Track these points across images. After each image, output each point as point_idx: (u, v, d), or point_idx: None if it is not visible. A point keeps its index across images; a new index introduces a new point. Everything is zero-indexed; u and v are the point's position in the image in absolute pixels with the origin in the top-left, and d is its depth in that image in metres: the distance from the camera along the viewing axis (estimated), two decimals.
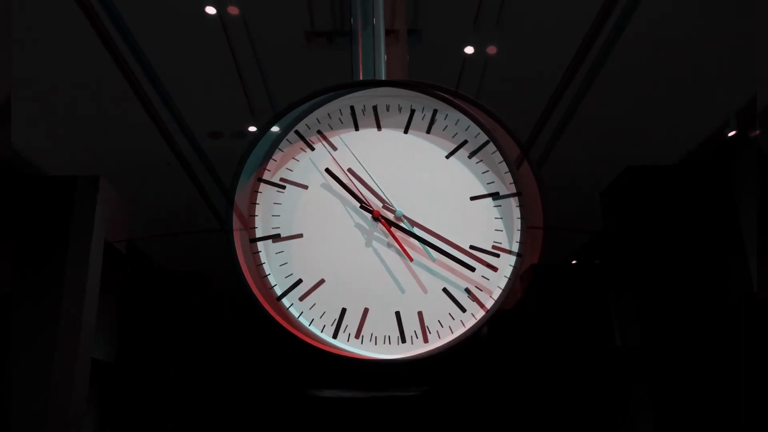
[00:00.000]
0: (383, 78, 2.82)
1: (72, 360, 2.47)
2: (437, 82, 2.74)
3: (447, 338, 2.52)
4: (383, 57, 2.86)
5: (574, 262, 3.32)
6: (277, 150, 2.68)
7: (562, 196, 3.33)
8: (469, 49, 3.46)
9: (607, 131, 3.78)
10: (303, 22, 3.42)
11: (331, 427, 2.77)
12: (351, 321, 2.52)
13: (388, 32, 2.97)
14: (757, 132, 2.83)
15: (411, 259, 2.55)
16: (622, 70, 3.39)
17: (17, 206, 2.56)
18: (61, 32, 3.25)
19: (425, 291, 2.55)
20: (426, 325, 2.53)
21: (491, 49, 3.47)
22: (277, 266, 2.57)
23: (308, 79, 3.36)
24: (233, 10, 3.31)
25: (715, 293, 2.56)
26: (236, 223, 2.64)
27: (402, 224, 2.59)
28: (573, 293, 2.97)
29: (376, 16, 2.93)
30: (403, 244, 2.57)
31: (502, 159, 2.68)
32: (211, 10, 3.30)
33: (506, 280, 2.58)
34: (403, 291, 2.55)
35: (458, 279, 2.56)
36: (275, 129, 2.73)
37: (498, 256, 2.61)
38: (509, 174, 2.68)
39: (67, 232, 2.59)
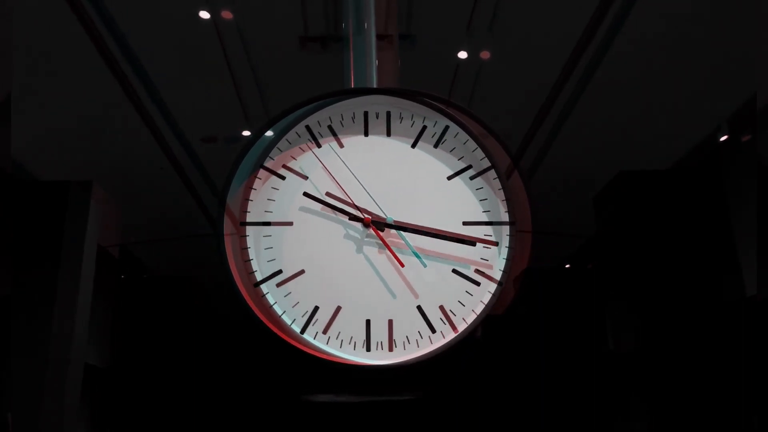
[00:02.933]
0: (374, 85, 2.83)
1: (64, 365, 2.46)
2: (430, 88, 2.75)
3: (471, 318, 2.55)
4: (374, 63, 2.87)
5: (567, 266, 3.33)
6: (252, 190, 2.68)
7: (556, 201, 3.35)
8: (462, 54, 3.48)
9: (600, 136, 3.80)
10: (297, 27, 3.43)
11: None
12: (379, 334, 2.54)
13: (381, 37, 2.98)
14: (750, 136, 2.85)
15: (402, 265, 2.57)
16: (614, 76, 3.41)
17: (10, 211, 2.55)
18: (55, 38, 3.26)
19: (437, 282, 2.58)
20: (448, 310, 2.56)
21: (484, 54, 3.48)
22: (290, 307, 2.58)
23: (302, 84, 3.37)
24: (227, 15, 3.32)
25: (709, 297, 2.57)
26: (228, 227, 2.64)
27: (393, 230, 2.60)
28: (567, 297, 2.98)
29: (368, 21, 2.93)
30: (394, 251, 2.59)
31: (467, 138, 2.71)
32: (205, 14, 3.31)
33: (507, 249, 2.61)
34: (415, 289, 2.57)
35: (464, 263, 2.60)
36: (269, 134, 2.74)
37: (491, 224, 2.64)
38: (478, 150, 2.70)
39: (60, 236, 2.58)
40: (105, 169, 3.77)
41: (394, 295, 2.58)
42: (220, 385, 2.93)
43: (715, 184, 2.73)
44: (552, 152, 3.66)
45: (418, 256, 2.60)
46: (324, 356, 2.50)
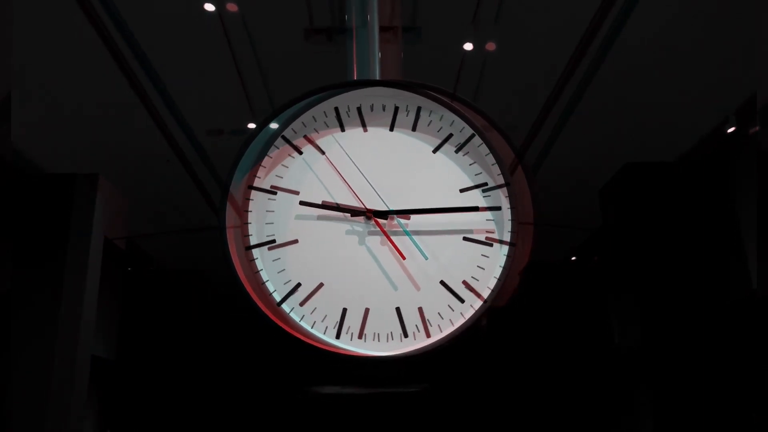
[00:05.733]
0: (377, 77, 2.82)
1: (72, 357, 2.48)
2: (435, 80, 2.74)
3: (492, 283, 2.59)
4: (377, 55, 2.86)
5: (573, 258, 3.33)
6: (248, 213, 2.69)
7: (561, 193, 3.34)
8: (468, 46, 3.46)
9: (606, 128, 3.79)
10: (302, 18, 3.42)
11: (339, 424, 2.78)
12: (413, 322, 2.57)
13: (385, 29, 2.97)
14: (757, 129, 2.83)
15: (404, 258, 2.59)
16: (620, 67, 3.38)
17: (17, 204, 2.57)
18: (60, 31, 3.26)
19: (452, 255, 2.61)
20: (470, 277, 2.58)
21: (490, 46, 3.46)
22: (319, 320, 2.59)
23: (307, 76, 3.36)
24: (232, 7, 3.31)
25: (714, 290, 2.56)
26: (231, 220, 2.65)
27: (395, 221, 2.61)
28: (573, 290, 2.98)
29: (371, 13, 2.93)
30: (401, 238, 2.60)
31: (442, 112, 2.73)
32: (210, 7, 3.30)
33: (511, 210, 2.63)
34: (432, 271, 2.60)
35: (474, 233, 2.62)
36: (274, 125, 2.74)
37: (486, 184, 2.67)
38: (458, 120, 2.72)
39: (67, 229, 2.60)
40: (111, 162, 3.78)
41: (411, 284, 2.60)
42: (226, 377, 2.94)
43: (722, 176, 2.71)
44: (558, 144, 3.65)
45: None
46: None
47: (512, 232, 2.62)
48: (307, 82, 2.74)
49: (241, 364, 2.94)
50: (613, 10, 3.01)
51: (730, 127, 3.24)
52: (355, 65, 2.87)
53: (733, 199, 2.68)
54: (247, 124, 3.65)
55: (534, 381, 2.81)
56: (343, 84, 2.75)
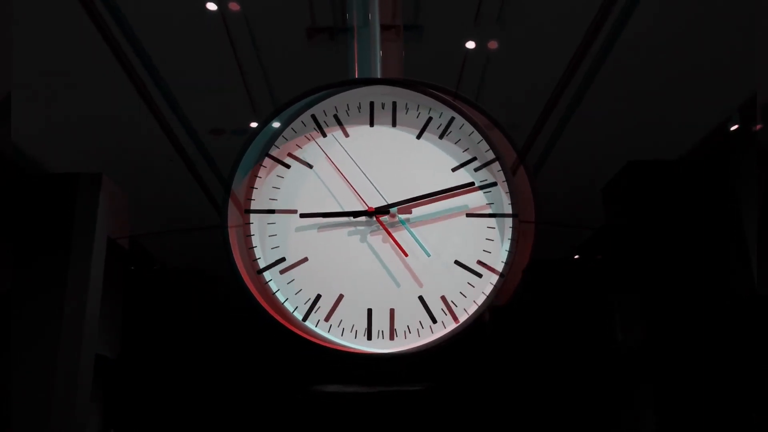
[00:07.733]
0: (378, 76, 2.83)
1: (76, 355, 2.49)
2: (437, 78, 2.75)
3: (504, 256, 2.63)
4: (379, 54, 2.87)
5: (576, 257, 3.32)
6: (251, 237, 2.69)
7: (564, 192, 3.34)
8: (470, 45, 3.46)
9: (609, 126, 3.78)
10: (304, 18, 3.43)
11: (346, 424, 2.79)
12: (438, 308, 2.60)
13: (387, 27, 2.98)
14: (759, 127, 2.83)
15: (406, 255, 2.60)
16: (623, 65, 3.38)
17: (20, 204, 2.58)
18: (62, 30, 3.26)
19: (462, 235, 2.65)
20: (482, 255, 2.62)
21: (492, 44, 3.46)
22: (348, 330, 2.60)
23: (309, 75, 3.37)
24: (234, 6, 3.31)
25: (717, 289, 2.56)
26: (234, 219, 2.65)
27: (396, 219, 2.63)
28: (575, 289, 2.97)
29: (373, 11, 2.93)
30: (399, 238, 2.62)
31: (418, 103, 2.75)
32: (212, 6, 3.30)
33: (507, 183, 2.66)
34: (441, 255, 2.62)
35: (476, 210, 2.64)
36: (276, 124, 2.75)
37: (475, 159, 2.70)
38: (436, 104, 2.73)
39: (70, 228, 2.61)
40: (114, 161, 3.79)
41: (427, 274, 2.63)
42: (228, 375, 2.95)
43: (725, 175, 2.71)
44: (561, 142, 3.65)
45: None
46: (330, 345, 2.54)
47: (512, 203, 2.64)
48: (308, 80, 2.75)
49: (244, 363, 2.94)
50: (615, 9, 3.00)
51: (733, 125, 3.24)
52: (356, 64, 2.88)
53: (736, 197, 2.67)
54: (249, 123, 3.66)
55: (536, 379, 2.81)
56: (344, 83, 2.75)
